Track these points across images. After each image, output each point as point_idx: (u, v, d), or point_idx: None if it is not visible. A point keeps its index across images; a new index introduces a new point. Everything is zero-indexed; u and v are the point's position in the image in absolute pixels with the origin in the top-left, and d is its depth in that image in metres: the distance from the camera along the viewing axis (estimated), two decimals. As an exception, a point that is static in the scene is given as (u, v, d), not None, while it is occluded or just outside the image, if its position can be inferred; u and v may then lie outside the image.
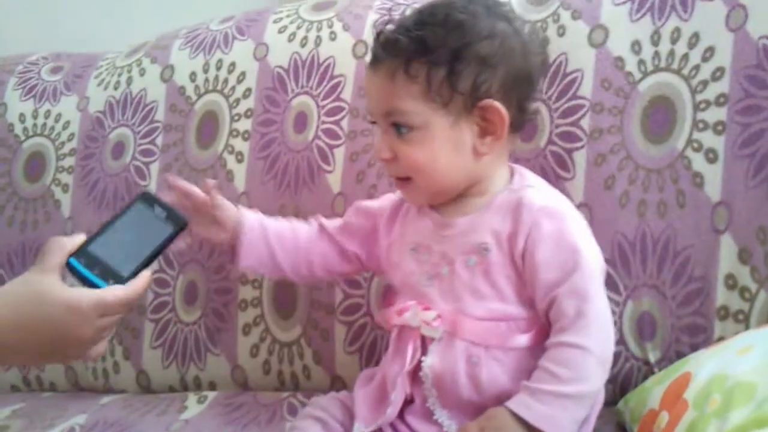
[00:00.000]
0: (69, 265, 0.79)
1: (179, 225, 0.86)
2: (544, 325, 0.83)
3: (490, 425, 0.78)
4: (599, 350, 0.78)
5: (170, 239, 0.85)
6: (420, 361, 0.84)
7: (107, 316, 0.78)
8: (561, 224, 0.82)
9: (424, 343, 0.85)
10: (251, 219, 0.98)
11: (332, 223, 1.00)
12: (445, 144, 0.84)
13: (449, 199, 0.88)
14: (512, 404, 0.78)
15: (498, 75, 0.83)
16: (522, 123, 0.89)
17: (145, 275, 0.82)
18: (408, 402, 0.87)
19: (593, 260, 0.82)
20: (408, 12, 0.95)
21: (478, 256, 0.84)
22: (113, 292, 0.79)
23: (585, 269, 0.80)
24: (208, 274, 1.21)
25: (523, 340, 0.82)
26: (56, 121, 1.39)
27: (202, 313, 1.21)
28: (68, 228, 1.32)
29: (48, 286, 0.77)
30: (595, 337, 0.78)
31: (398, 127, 0.84)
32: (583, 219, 0.88)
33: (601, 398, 0.86)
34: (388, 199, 0.98)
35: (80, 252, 0.80)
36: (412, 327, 0.86)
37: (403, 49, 0.83)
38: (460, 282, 0.84)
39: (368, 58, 0.90)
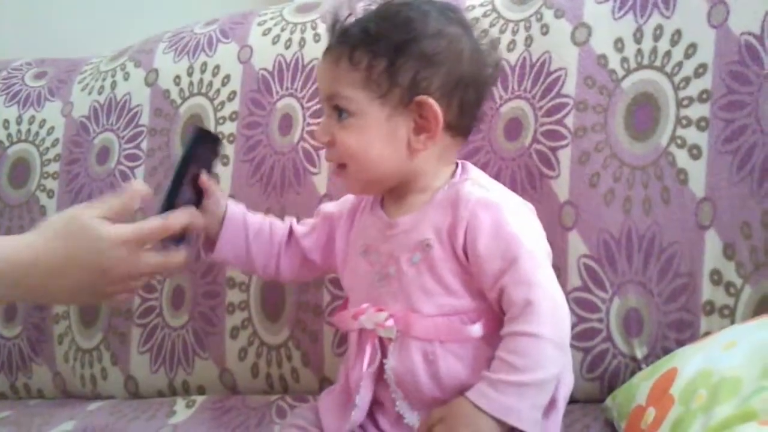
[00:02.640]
0: None
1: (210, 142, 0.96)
2: (495, 314, 0.82)
3: (451, 414, 0.78)
4: (554, 334, 0.78)
5: (201, 158, 0.94)
6: (383, 364, 0.85)
7: (145, 246, 0.86)
8: (498, 215, 0.82)
9: (384, 345, 0.85)
10: (235, 211, 0.98)
11: (302, 227, 1.00)
12: (378, 135, 0.85)
13: (394, 197, 0.89)
14: (472, 394, 0.78)
15: (440, 74, 0.84)
16: (465, 127, 0.89)
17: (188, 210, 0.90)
18: (378, 404, 0.87)
19: (535, 247, 0.82)
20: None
21: (421, 253, 0.84)
22: (149, 224, 0.87)
23: (526, 257, 0.80)
24: (195, 278, 1.20)
25: (476, 330, 0.82)
26: (41, 126, 1.38)
27: (190, 317, 1.21)
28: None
29: (88, 220, 0.85)
30: (547, 323, 0.78)
31: (340, 112, 0.86)
32: (525, 209, 0.88)
33: (569, 381, 0.86)
34: (347, 201, 0.97)
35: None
36: (368, 330, 0.86)
37: (350, 38, 0.86)
38: (407, 280, 0.84)
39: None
